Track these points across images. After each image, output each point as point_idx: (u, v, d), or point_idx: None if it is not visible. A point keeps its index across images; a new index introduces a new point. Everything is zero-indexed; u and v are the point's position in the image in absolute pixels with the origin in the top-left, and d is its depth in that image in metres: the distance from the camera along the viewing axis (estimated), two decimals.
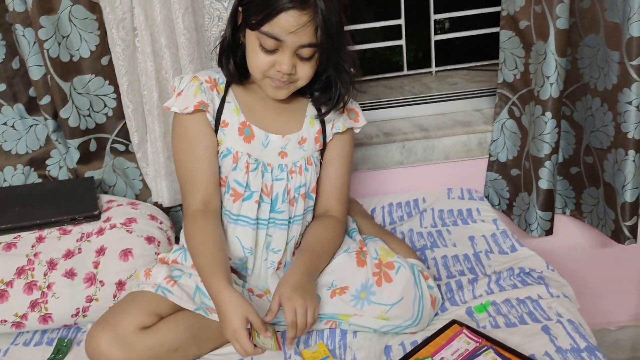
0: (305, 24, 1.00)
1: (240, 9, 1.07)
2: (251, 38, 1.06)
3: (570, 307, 1.14)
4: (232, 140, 1.14)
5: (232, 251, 1.17)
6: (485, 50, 1.84)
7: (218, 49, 1.15)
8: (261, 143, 1.16)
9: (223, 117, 1.14)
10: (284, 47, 1.03)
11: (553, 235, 1.57)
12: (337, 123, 1.21)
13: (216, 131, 1.14)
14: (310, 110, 1.20)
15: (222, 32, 1.16)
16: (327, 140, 1.22)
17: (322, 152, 1.23)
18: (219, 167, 1.15)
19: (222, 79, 1.16)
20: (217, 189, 1.15)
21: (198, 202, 1.12)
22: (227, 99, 1.15)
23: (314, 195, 1.22)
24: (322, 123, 1.20)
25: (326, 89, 1.15)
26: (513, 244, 1.36)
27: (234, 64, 1.12)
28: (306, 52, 1.05)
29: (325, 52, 1.06)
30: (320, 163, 1.23)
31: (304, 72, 1.08)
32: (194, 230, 1.10)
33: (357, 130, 1.26)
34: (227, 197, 1.16)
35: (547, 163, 1.47)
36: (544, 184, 1.49)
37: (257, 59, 1.06)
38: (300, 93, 1.16)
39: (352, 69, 1.14)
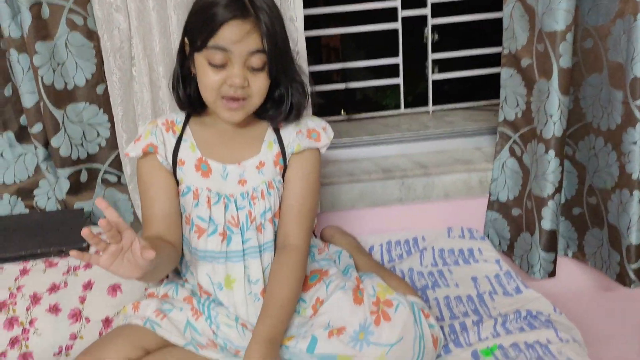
0: (249, 32, 1.03)
1: (185, 39, 1.10)
2: (200, 60, 1.07)
3: (580, 352, 1.09)
4: (190, 177, 1.14)
5: (204, 287, 1.16)
6: (479, 90, 1.84)
7: (170, 86, 1.17)
8: (220, 176, 1.15)
9: (179, 156, 1.15)
10: (232, 60, 1.05)
11: (555, 278, 1.53)
12: (293, 143, 1.18)
13: (175, 171, 1.15)
14: (270, 135, 1.19)
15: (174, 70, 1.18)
16: (287, 162, 1.19)
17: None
18: (182, 205, 1.15)
19: (180, 118, 1.18)
20: (172, 227, 1.14)
21: (151, 235, 1.13)
22: (184, 137, 1.16)
23: None
24: (282, 145, 1.18)
25: (279, 104, 1.15)
26: (518, 285, 1.31)
27: (187, 96, 1.15)
28: (255, 61, 1.06)
29: (274, 60, 1.06)
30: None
31: (257, 85, 1.08)
32: None
33: (322, 150, 1.23)
34: (192, 234, 1.15)
35: (550, 203, 1.44)
36: (547, 224, 1.46)
37: (207, 78, 1.07)
38: (257, 116, 1.16)
39: (304, 82, 1.17)
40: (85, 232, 0.86)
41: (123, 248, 0.91)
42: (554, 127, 1.39)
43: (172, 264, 1.15)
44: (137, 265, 0.93)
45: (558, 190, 1.44)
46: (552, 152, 1.41)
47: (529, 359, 1.07)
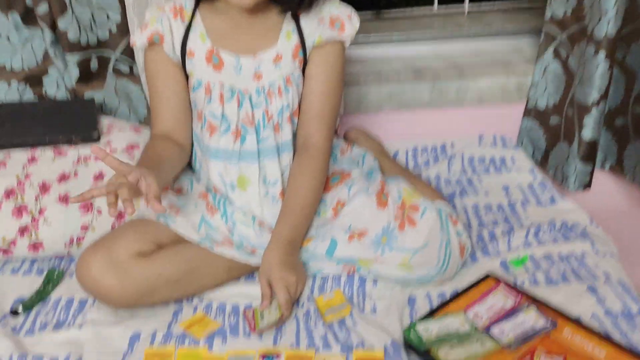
0: None
1: None
2: None
3: (617, 266, 1.02)
4: (201, 70, 1.06)
5: (217, 187, 1.10)
6: None
7: None
8: (233, 68, 1.06)
9: (189, 47, 1.06)
10: None
11: (590, 192, 1.45)
12: (314, 34, 1.07)
13: (184, 63, 1.06)
14: (288, 24, 1.07)
15: None
16: (308, 55, 1.08)
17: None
18: (194, 101, 1.08)
19: (189, 4, 1.07)
20: (181, 124, 1.09)
21: (158, 132, 1.08)
22: (194, 25, 1.06)
23: None
24: (301, 36, 1.07)
25: None
26: (553, 195, 1.24)
27: None
28: None
29: None
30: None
31: None
32: (145, 147, 1.06)
33: (347, 42, 1.11)
34: (204, 131, 1.08)
35: (594, 110, 1.33)
36: (587, 133, 1.35)
37: None
38: (273, 1, 1.04)
39: None
40: (95, 149, 0.87)
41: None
42: (607, 26, 1.25)
43: (181, 165, 1.09)
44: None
45: (604, 97, 1.32)
46: (602, 54, 1.28)
47: (562, 270, 1.01)
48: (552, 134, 1.47)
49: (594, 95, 1.32)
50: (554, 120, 1.46)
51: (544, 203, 1.23)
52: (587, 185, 1.43)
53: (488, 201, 1.25)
